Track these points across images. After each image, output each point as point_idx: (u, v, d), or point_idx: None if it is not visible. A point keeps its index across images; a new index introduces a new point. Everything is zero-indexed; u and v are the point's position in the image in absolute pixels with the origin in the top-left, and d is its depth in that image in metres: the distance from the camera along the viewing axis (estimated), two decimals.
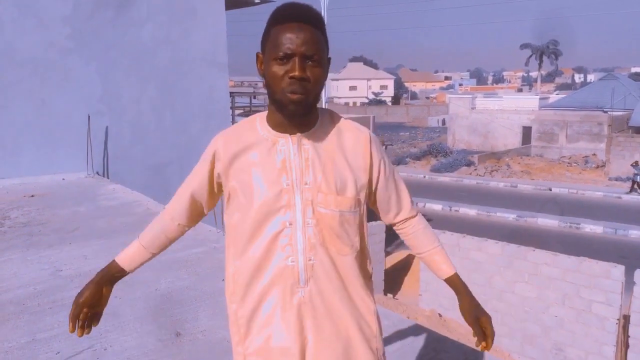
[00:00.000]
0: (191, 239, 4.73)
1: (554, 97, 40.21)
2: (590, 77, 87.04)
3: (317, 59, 1.27)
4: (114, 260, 1.53)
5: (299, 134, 1.35)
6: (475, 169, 26.44)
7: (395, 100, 75.09)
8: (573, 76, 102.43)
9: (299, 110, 1.30)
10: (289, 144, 1.35)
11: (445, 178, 25.63)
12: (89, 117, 7.67)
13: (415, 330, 3.22)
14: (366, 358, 1.42)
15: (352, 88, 76.11)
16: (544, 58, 56.90)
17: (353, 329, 1.39)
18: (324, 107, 1.52)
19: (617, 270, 7.40)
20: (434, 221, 17.18)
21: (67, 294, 3.53)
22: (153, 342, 2.91)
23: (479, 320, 1.46)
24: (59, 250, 4.40)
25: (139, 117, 8.49)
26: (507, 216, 18.18)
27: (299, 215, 1.33)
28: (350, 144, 1.40)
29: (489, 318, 1.47)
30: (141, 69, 8.48)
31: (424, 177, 26.39)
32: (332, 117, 1.43)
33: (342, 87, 75.40)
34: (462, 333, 8.37)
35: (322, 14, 21.76)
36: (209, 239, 4.73)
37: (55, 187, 6.86)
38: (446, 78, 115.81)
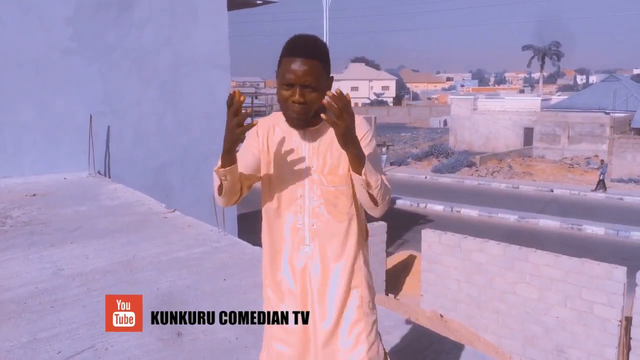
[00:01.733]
0: (192, 239, 4.74)
1: (556, 99, 40.14)
2: (593, 79, 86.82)
3: (313, 87, 1.61)
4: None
5: (308, 129, 1.72)
6: (476, 170, 26.43)
7: (397, 101, 75.07)
8: (575, 78, 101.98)
9: (301, 124, 1.69)
10: (299, 137, 1.74)
11: (446, 179, 25.63)
12: (90, 117, 7.68)
13: (417, 331, 3.22)
14: (350, 302, 1.76)
15: (354, 89, 75.99)
16: (546, 59, 56.72)
17: (342, 279, 1.76)
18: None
19: (619, 272, 7.39)
20: (435, 222, 17.19)
21: (69, 293, 3.54)
22: (154, 341, 2.92)
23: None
24: (60, 250, 4.41)
25: (140, 117, 8.50)
26: (509, 217, 18.16)
27: (307, 190, 1.74)
28: None
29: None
30: (143, 69, 8.48)
31: (426, 177, 26.37)
32: None
33: (344, 88, 72.26)
34: (464, 334, 8.37)
35: (324, 14, 21.80)
36: (210, 239, 4.74)
37: (56, 187, 6.87)
38: (448, 79, 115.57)
